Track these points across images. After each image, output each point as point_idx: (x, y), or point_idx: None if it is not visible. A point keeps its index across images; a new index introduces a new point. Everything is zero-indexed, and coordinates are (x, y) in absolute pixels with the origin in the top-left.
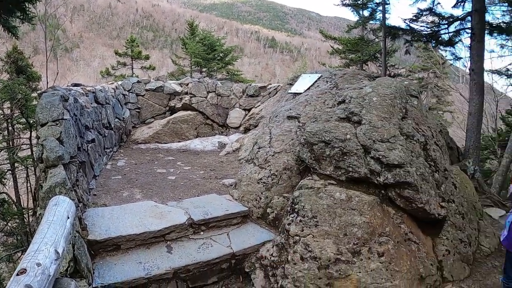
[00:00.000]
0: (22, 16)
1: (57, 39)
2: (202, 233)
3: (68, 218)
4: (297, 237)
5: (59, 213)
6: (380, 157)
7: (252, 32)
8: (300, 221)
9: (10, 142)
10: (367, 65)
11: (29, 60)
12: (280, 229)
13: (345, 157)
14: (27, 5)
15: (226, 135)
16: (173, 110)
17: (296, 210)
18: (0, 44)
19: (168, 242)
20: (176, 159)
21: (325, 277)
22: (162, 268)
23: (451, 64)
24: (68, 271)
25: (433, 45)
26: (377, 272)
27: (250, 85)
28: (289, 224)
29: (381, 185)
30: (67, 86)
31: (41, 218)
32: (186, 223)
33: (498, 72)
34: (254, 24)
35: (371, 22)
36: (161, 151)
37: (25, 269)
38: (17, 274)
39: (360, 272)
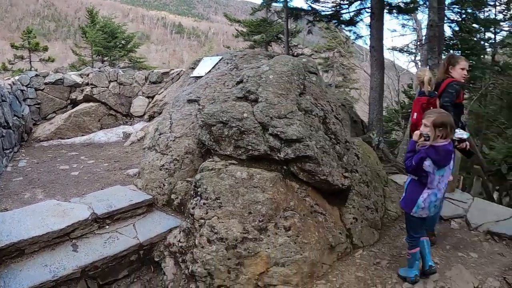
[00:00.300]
0: None
1: None
2: (107, 227)
3: None
4: (202, 220)
5: None
6: (279, 133)
7: (158, 18)
8: (204, 204)
9: None
10: (271, 46)
11: None
12: (185, 214)
13: (244, 136)
14: None
15: (130, 125)
16: (75, 103)
17: (199, 193)
18: None
19: (74, 240)
20: (80, 153)
21: (234, 257)
22: (69, 268)
23: (353, 43)
24: None
25: (335, 24)
26: (286, 246)
27: (153, 71)
28: (193, 208)
29: (282, 161)
30: None
31: None
32: (90, 218)
33: (400, 50)
34: (160, 10)
35: (274, 4)
36: (64, 147)
37: None
38: None
39: (268, 248)
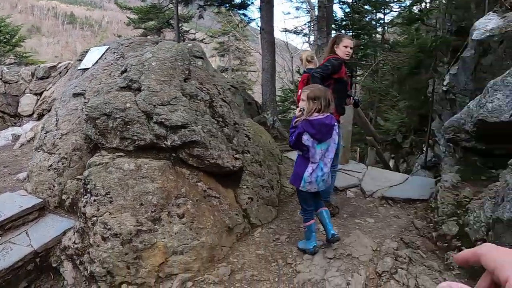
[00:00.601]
0: None
1: None
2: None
3: None
4: (95, 218)
5: None
6: (163, 120)
7: (49, 9)
8: (95, 200)
9: None
10: (162, 32)
11: None
12: (78, 214)
13: (129, 126)
14: None
15: (19, 126)
16: None
17: (88, 190)
18: None
19: None
20: None
21: (131, 252)
22: None
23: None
24: None
25: (227, 8)
26: (182, 234)
27: (39, 66)
28: (84, 206)
29: (170, 148)
30: None
31: None
32: None
33: (294, 32)
34: (50, 0)
35: None
36: None
37: None
38: None
39: (165, 238)
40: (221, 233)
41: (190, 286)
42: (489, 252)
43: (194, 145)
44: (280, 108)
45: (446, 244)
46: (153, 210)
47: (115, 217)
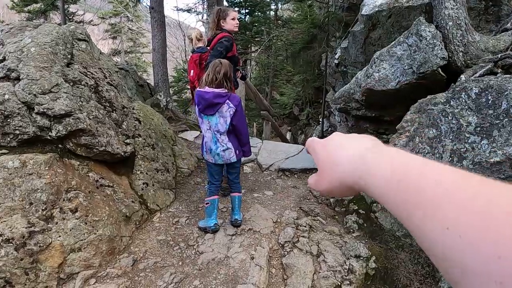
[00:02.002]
0: None
1: None
2: None
3: None
4: None
5: None
6: (45, 110)
7: None
8: None
9: None
10: (49, 16)
11: None
12: None
13: (9, 120)
14: None
15: None
16: None
17: None
18: None
19: None
20: None
21: (27, 256)
22: None
23: (135, 5)
24: None
25: None
26: (77, 229)
27: None
28: None
29: (56, 139)
30: None
31: None
32: None
33: (187, 10)
34: None
35: None
36: None
37: None
38: None
39: (60, 236)
40: (119, 223)
41: (93, 283)
42: (309, 142)
43: (81, 134)
44: (176, 88)
45: (344, 209)
46: (43, 208)
47: (5, 221)
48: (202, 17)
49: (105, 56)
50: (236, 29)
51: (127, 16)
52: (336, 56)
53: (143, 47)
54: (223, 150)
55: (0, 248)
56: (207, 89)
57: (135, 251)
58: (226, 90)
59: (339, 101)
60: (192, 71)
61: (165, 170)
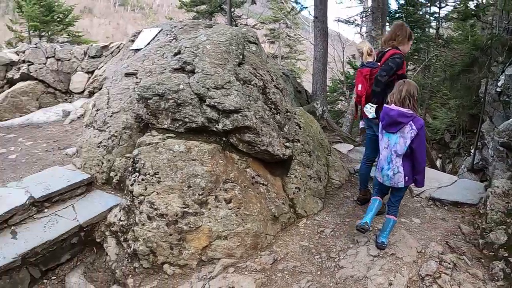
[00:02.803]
0: None
1: None
2: (46, 210)
3: None
4: (142, 197)
5: None
6: (216, 104)
7: None
8: (142, 179)
9: None
10: (214, 17)
11: None
12: (125, 192)
13: (181, 108)
14: None
15: (70, 102)
16: (11, 83)
17: (137, 169)
18: None
19: (12, 227)
20: (18, 135)
21: (176, 233)
22: (9, 256)
23: (297, 13)
24: None
25: None
26: (227, 219)
27: (92, 45)
28: (132, 184)
29: (221, 132)
30: None
31: None
32: (27, 202)
33: (346, 21)
34: None
35: None
36: (1, 130)
37: None
38: None
39: (210, 222)
40: (266, 221)
41: (232, 271)
42: None
43: (245, 131)
44: (329, 98)
45: (493, 253)
46: (200, 193)
47: (162, 197)
48: (360, 30)
49: (270, 59)
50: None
51: (286, 23)
52: (499, 84)
53: (299, 54)
54: (394, 173)
55: (153, 220)
56: (393, 106)
57: (276, 251)
58: (412, 111)
59: (503, 134)
60: (360, 85)
61: (318, 178)
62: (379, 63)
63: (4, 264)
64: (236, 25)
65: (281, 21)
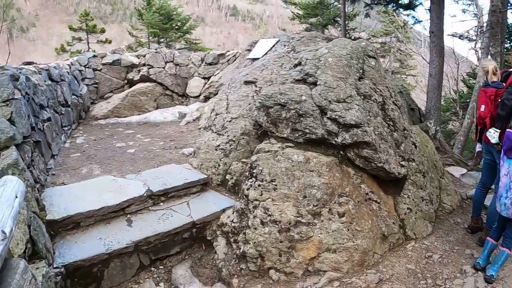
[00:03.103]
0: None
1: (11, 19)
2: (161, 204)
3: (17, 197)
4: (257, 202)
5: (6, 193)
6: (337, 117)
7: (213, 1)
8: (259, 185)
9: None
10: (327, 29)
11: None
12: (239, 195)
13: (302, 118)
14: None
15: (186, 105)
16: (131, 83)
17: (254, 174)
18: None
19: (128, 216)
20: (136, 132)
21: (286, 240)
22: (123, 242)
23: (411, 28)
24: (26, 253)
25: (393, 8)
26: (339, 233)
27: (209, 53)
28: (248, 189)
29: (339, 145)
30: (18, 66)
31: None
32: (145, 194)
33: (460, 36)
34: None
35: None
36: (120, 125)
37: None
38: None
39: (321, 233)
40: (376, 239)
41: (336, 286)
42: None
43: (363, 146)
44: (441, 118)
45: None
46: (315, 204)
47: (277, 204)
48: (475, 45)
49: (388, 74)
50: None
51: (397, 37)
52: None
53: (410, 69)
54: (511, 203)
55: (265, 225)
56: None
57: (382, 270)
58: None
59: None
60: (483, 106)
61: (429, 201)
62: (504, 84)
63: (118, 248)
64: (351, 38)
65: (392, 34)
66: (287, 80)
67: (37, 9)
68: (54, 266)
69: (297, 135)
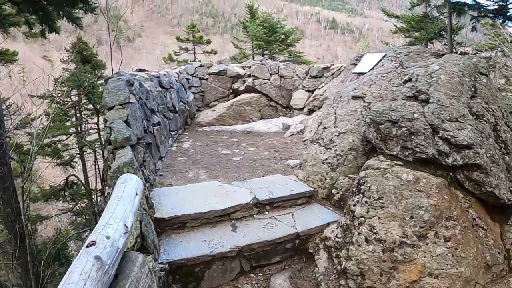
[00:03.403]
0: (84, 7)
1: (119, 30)
2: (266, 212)
3: (137, 194)
4: (362, 219)
5: (127, 189)
6: (449, 137)
7: (312, 14)
8: (366, 202)
9: (79, 128)
10: (432, 43)
11: (93, 50)
12: (345, 210)
13: (413, 137)
14: None
15: (290, 117)
16: (236, 93)
17: (361, 191)
18: (65, 37)
19: (233, 221)
20: (241, 140)
21: (389, 260)
22: (227, 246)
23: None
24: (135, 246)
25: (501, 21)
26: (443, 258)
27: (313, 66)
28: (354, 205)
29: (449, 166)
30: (132, 72)
31: (109, 196)
32: (251, 202)
33: None
34: (313, 6)
35: None
36: (225, 133)
37: (95, 242)
38: (87, 246)
39: (425, 257)
40: (479, 268)
41: None
42: None
43: (474, 169)
44: None
45: None
46: (421, 226)
47: (383, 223)
48: None
49: (499, 93)
50: None
51: (503, 51)
52: None
53: None
54: None
55: (370, 243)
56: None
57: None
58: None
59: None
60: None
61: None
62: None
63: (221, 251)
64: (457, 53)
65: (498, 48)
66: (397, 96)
67: (143, 20)
68: (159, 261)
69: (407, 153)
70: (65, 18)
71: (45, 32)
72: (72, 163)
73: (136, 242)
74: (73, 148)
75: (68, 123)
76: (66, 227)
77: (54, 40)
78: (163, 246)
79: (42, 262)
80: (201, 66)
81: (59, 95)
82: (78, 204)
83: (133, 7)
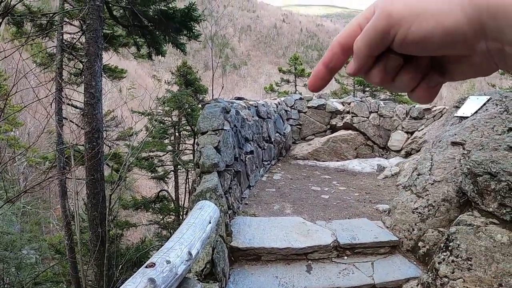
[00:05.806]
0: (188, 34)
1: (226, 57)
2: (345, 257)
3: (210, 223)
4: (446, 279)
5: (201, 216)
6: None
7: None
8: (452, 261)
9: (176, 146)
10: None
11: (198, 75)
12: (428, 267)
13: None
14: (192, 24)
15: (386, 158)
16: (333, 129)
17: (449, 248)
18: (174, 60)
19: (309, 261)
20: (332, 178)
21: None
22: (298, 286)
23: None
24: (204, 272)
25: None
26: None
27: (414, 106)
28: (439, 262)
29: None
30: (230, 99)
31: (184, 219)
32: (331, 245)
33: None
34: None
35: None
36: (318, 169)
37: (154, 263)
38: (146, 267)
39: None
40: None
41: None
42: None
43: None
44: None
45: None
46: None
47: (467, 287)
48: None
49: None
50: None
51: None
52: None
53: None
54: None
55: None
56: None
57: None
58: None
59: None
60: None
61: None
62: None
63: None
64: None
65: None
66: (499, 146)
67: (249, 49)
68: None
69: (504, 211)
70: (170, 43)
71: (151, 54)
72: (166, 179)
73: (206, 267)
74: (168, 165)
75: (166, 141)
76: (151, 238)
77: (164, 61)
78: (233, 276)
79: (120, 266)
80: (301, 99)
81: (160, 113)
82: (165, 218)
83: (240, 36)
